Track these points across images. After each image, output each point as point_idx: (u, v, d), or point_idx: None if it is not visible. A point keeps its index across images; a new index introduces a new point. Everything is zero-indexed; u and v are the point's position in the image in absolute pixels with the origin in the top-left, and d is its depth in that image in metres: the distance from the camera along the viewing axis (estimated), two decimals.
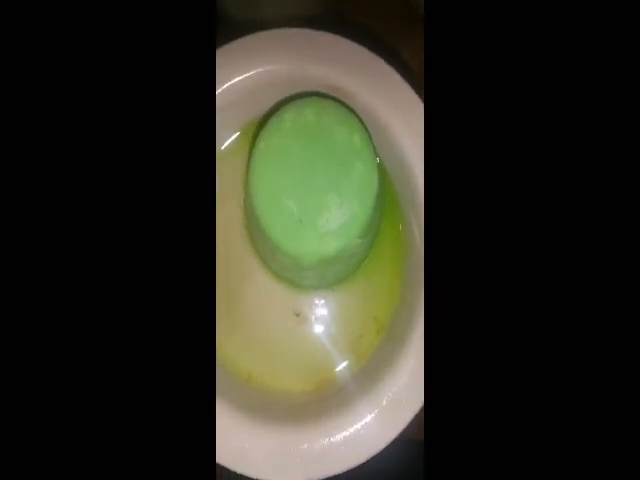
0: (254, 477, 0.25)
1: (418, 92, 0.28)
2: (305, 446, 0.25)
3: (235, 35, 0.29)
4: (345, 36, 0.29)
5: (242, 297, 0.30)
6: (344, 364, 0.29)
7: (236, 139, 0.31)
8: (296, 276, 0.28)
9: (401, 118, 0.28)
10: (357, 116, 0.26)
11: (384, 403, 0.26)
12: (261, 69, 0.29)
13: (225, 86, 0.28)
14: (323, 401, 0.28)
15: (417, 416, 0.26)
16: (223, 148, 0.30)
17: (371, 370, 0.28)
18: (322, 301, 0.30)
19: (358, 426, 0.26)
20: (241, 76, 0.29)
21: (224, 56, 0.28)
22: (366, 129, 0.26)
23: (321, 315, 0.30)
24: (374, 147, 0.26)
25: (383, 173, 0.29)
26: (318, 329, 0.30)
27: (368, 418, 0.26)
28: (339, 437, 0.25)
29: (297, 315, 0.30)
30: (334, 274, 0.29)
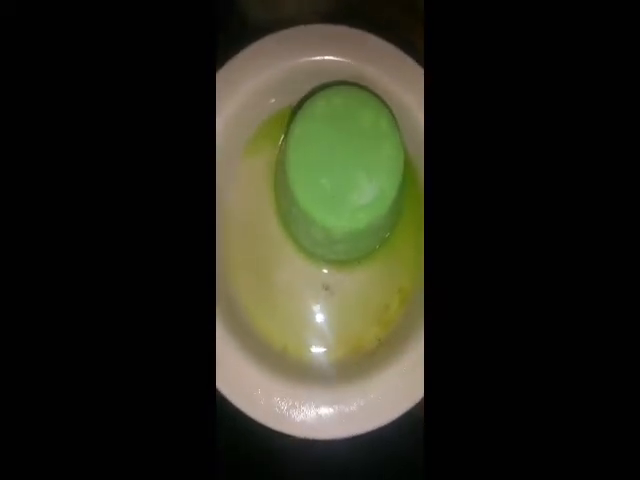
0: (298, 436, 0.27)
1: None
2: (339, 406, 0.28)
3: (257, 35, 0.31)
4: (361, 28, 0.31)
5: (274, 275, 0.32)
6: (371, 333, 0.31)
7: (267, 126, 0.33)
8: (327, 250, 0.30)
9: (421, 102, 0.30)
10: (382, 100, 0.29)
11: (408, 367, 0.28)
12: (289, 62, 0.31)
13: (256, 79, 0.31)
14: (353, 367, 0.30)
15: None
16: (257, 132, 0.33)
17: (396, 338, 0.30)
18: (349, 275, 0.32)
19: (388, 387, 0.28)
20: (269, 70, 0.31)
21: (254, 52, 0.31)
22: (391, 112, 0.28)
23: (349, 288, 0.32)
24: (399, 130, 0.28)
25: (405, 154, 0.31)
26: (346, 301, 0.32)
27: (396, 380, 0.28)
28: (372, 397, 0.28)
29: (326, 289, 0.32)
30: (362, 248, 0.31)
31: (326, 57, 0.30)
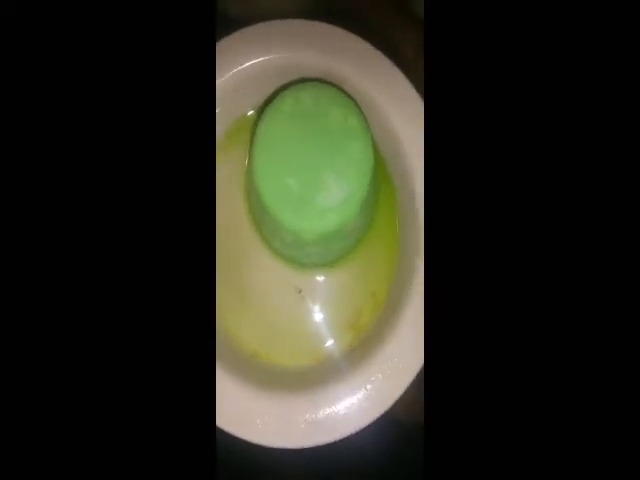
0: (261, 444, 0.26)
1: (408, 76, 0.29)
2: (308, 414, 0.27)
3: (234, 30, 0.30)
4: (340, 26, 0.30)
5: (246, 277, 0.31)
6: (344, 339, 0.30)
7: (237, 126, 0.32)
8: (298, 253, 0.30)
9: (393, 101, 0.29)
10: (352, 99, 0.28)
11: (380, 374, 0.27)
12: (260, 59, 0.30)
13: (225, 76, 0.30)
14: (324, 373, 0.29)
15: (403, 396, 0.27)
16: (224, 135, 0.32)
17: (369, 343, 0.29)
18: (322, 278, 0.31)
19: (358, 395, 0.27)
20: (240, 66, 0.30)
21: (224, 48, 0.30)
22: (361, 111, 0.27)
23: (322, 292, 0.31)
24: (369, 129, 0.27)
25: (377, 154, 0.30)
26: (319, 305, 0.31)
27: (367, 387, 0.27)
28: (340, 406, 0.27)
29: (299, 292, 0.31)
30: (334, 251, 0.30)
31: (295, 53, 0.30)
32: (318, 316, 0.31)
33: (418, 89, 0.30)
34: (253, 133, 0.28)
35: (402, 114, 0.29)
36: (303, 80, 0.29)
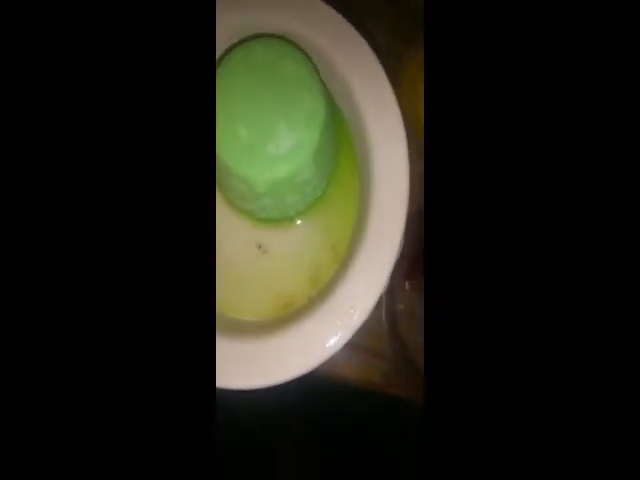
0: (226, 387, 0.27)
1: (358, 29, 0.30)
2: (269, 356, 0.27)
3: None
4: None
5: None
6: (303, 290, 0.31)
7: None
8: (255, 206, 0.30)
9: (345, 54, 0.30)
10: (303, 51, 0.28)
11: (336, 318, 0.28)
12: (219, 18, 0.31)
13: None
14: (285, 321, 0.29)
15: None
16: None
17: (326, 293, 0.30)
18: (282, 233, 0.32)
19: (315, 337, 0.28)
20: None
21: None
22: (312, 62, 0.28)
23: (282, 247, 0.32)
24: (321, 80, 0.28)
25: (334, 110, 0.31)
26: (280, 259, 0.31)
27: (322, 330, 0.28)
28: (298, 346, 0.27)
29: (259, 247, 0.31)
30: (291, 204, 0.30)
31: (248, 12, 0.30)
32: (278, 270, 0.31)
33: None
34: None
35: (355, 68, 0.30)
36: (257, 36, 0.29)
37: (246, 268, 0.31)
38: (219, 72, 0.28)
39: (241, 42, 0.29)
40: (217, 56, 0.31)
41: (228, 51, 0.29)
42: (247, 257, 0.31)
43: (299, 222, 0.32)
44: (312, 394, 0.47)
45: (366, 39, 0.30)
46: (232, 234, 0.32)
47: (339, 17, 0.30)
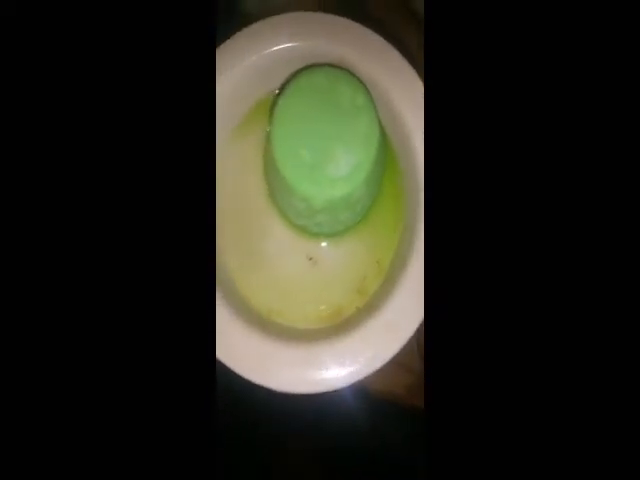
0: (280, 390, 0.29)
1: (412, 64, 0.32)
2: (317, 364, 0.29)
3: (247, 22, 0.33)
4: (347, 15, 0.33)
5: (262, 246, 0.34)
6: (350, 301, 0.33)
7: (257, 107, 0.35)
8: (309, 222, 0.32)
9: (398, 86, 0.32)
10: (360, 79, 0.31)
11: (381, 329, 0.30)
12: (275, 48, 0.33)
13: (243, 64, 0.33)
14: (332, 330, 0.32)
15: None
16: (245, 115, 0.35)
17: (372, 304, 0.32)
18: (331, 247, 0.34)
19: (361, 346, 0.30)
20: (257, 54, 0.33)
21: (242, 38, 0.33)
22: (368, 90, 0.30)
23: (331, 259, 0.34)
24: (375, 106, 0.30)
25: (383, 133, 0.33)
26: (328, 271, 0.34)
27: (369, 340, 0.30)
28: (347, 355, 0.29)
29: (310, 259, 0.34)
30: (342, 221, 0.33)
31: (310, 42, 0.32)
32: (327, 281, 0.34)
33: (420, 76, 0.32)
34: (272, 110, 0.31)
35: (406, 99, 0.32)
36: (317, 64, 0.32)
37: (297, 278, 0.34)
38: (284, 93, 0.30)
39: (304, 68, 0.32)
40: (281, 81, 0.34)
41: (293, 75, 0.31)
42: (298, 268, 0.34)
43: (347, 237, 0.34)
44: (333, 402, 0.48)
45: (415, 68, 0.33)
46: (286, 247, 0.34)
47: (391, 48, 0.32)
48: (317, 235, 0.34)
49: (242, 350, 0.29)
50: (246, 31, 0.33)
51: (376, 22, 0.35)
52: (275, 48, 0.33)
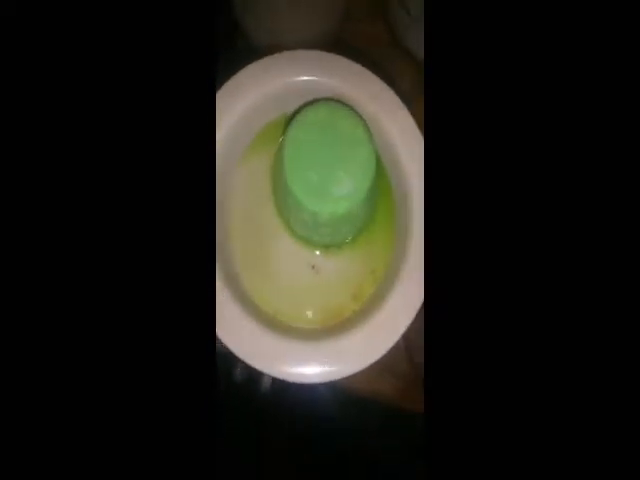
0: (286, 379, 0.33)
1: (402, 98, 0.37)
2: (319, 358, 0.34)
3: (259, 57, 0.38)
4: (346, 56, 0.38)
5: (270, 254, 0.39)
6: (348, 306, 0.38)
7: (266, 131, 0.40)
8: (314, 233, 0.37)
9: (392, 121, 0.37)
10: (359, 114, 0.36)
11: (374, 329, 0.34)
12: (286, 80, 0.38)
13: (253, 95, 0.37)
14: (331, 330, 0.36)
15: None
16: (256, 137, 0.40)
17: (367, 308, 0.37)
18: (332, 257, 0.39)
19: (356, 342, 0.34)
20: (268, 86, 0.38)
21: (254, 70, 0.37)
22: (366, 124, 0.35)
23: (331, 268, 0.39)
24: (372, 138, 0.35)
25: (378, 161, 0.38)
26: (328, 279, 0.38)
27: (363, 336, 0.34)
28: (344, 349, 0.34)
29: (312, 267, 0.38)
30: (343, 233, 0.37)
31: (314, 78, 0.37)
32: (327, 287, 0.38)
33: (410, 110, 0.38)
34: (282, 137, 0.35)
35: (398, 132, 0.37)
36: (321, 99, 0.37)
37: (301, 284, 0.38)
38: (294, 124, 0.35)
39: (310, 102, 0.37)
40: (290, 111, 0.38)
41: (299, 109, 0.36)
42: (302, 275, 0.38)
43: (346, 249, 0.39)
44: (327, 401, 0.53)
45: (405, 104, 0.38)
46: (291, 255, 0.38)
47: (387, 87, 0.38)
48: (319, 246, 0.38)
49: (251, 341, 0.33)
50: (259, 63, 0.37)
51: (372, 63, 0.40)
52: (286, 80, 0.38)
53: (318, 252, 0.39)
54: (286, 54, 0.38)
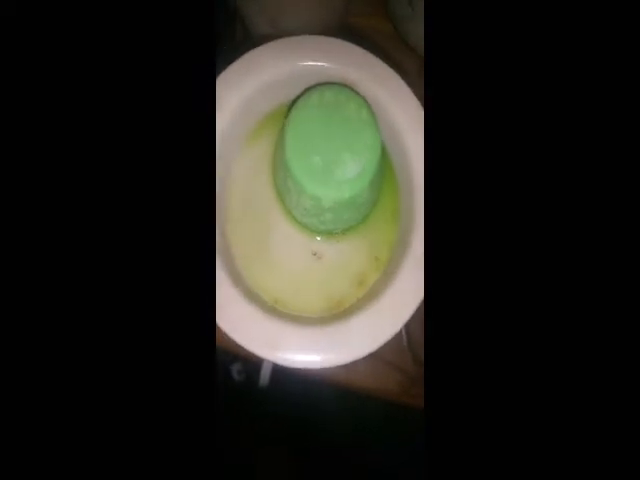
0: (286, 366, 0.33)
1: (410, 85, 0.37)
2: (321, 343, 0.33)
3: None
4: (350, 41, 0.38)
5: (271, 241, 0.38)
6: (351, 293, 0.37)
7: (268, 117, 0.39)
8: (316, 220, 0.36)
9: (396, 103, 0.36)
10: (363, 97, 0.35)
11: (378, 315, 0.34)
12: (287, 66, 0.37)
13: (259, 79, 0.37)
14: (334, 317, 0.35)
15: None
16: (258, 123, 0.39)
17: (370, 295, 0.36)
18: (335, 244, 0.38)
19: (360, 328, 0.33)
20: (270, 71, 0.37)
21: (255, 57, 0.37)
22: (369, 106, 0.35)
23: (334, 255, 0.38)
24: (377, 121, 0.34)
25: (383, 146, 0.37)
26: (331, 266, 0.37)
27: (367, 322, 0.33)
28: (347, 334, 0.33)
29: (314, 254, 0.37)
30: (346, 220, 0.37)
31: (318, 62, 0.37)
32: (330, 275, 0.37)
33: (416, 94, 0.37)
34: (285, 120, 0.35)
35: (403, 115, 0.36)
36: (325, 83, 0.36)
37: (303, 272, 0.37)
38: (297, 106, 0.34)
39: (315, 85, 0.36)
40: (293, 96, 0.38)
41: (305, 91, 0.36)
42: (304, 263, 0.37)
43: (349, 235, 0.38)
44: (325, 397, 0.52)
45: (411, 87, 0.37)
46: (292, 242, 0.38)
47: (391, 70, 0.37)
48: (321, 232, 0.38)
49: (252, 327, 0.33)
50: (263, 48, 0.37)
51: (377, 48, 0.39)
52: (290, 64, 0.37)
53: (319, 238, 0.38)
54: (290, 39, 0.37)
